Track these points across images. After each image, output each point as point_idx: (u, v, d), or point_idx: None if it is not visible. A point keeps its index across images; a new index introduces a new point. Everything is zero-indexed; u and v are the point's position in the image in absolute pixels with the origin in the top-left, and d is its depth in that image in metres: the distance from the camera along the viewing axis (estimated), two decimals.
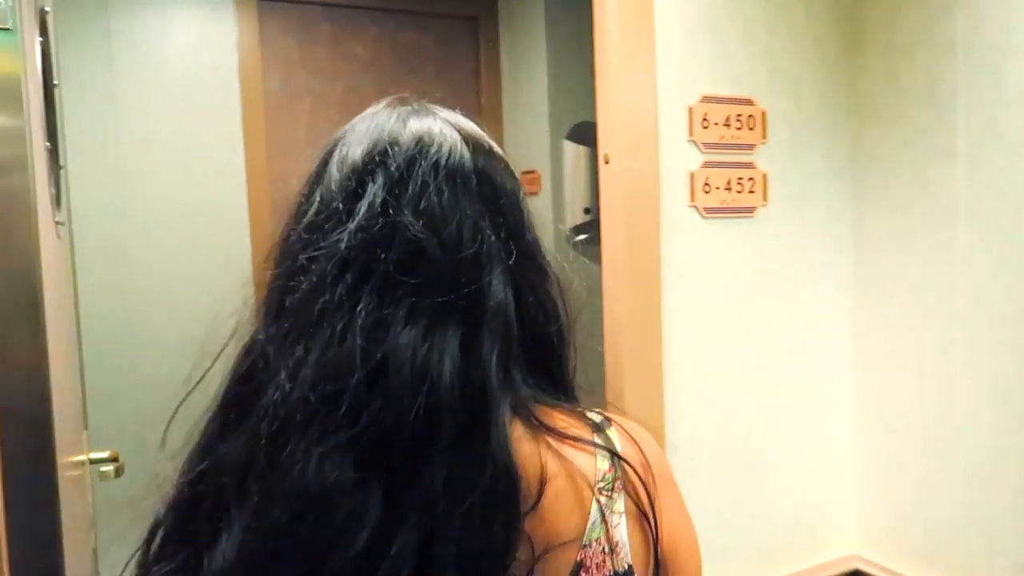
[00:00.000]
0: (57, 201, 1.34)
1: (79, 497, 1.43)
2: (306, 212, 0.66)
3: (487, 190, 0.67)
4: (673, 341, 1.42)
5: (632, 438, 0.64)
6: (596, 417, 0.64)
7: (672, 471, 0.66)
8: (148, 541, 0.61)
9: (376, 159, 0.65)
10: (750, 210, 1.41)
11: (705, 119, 1.34)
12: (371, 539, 0.51)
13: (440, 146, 0.67)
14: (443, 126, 0.71)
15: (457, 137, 0.70)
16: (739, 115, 1.37)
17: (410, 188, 0.63)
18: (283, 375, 0.58)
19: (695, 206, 1.33)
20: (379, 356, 0.56)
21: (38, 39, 1.06)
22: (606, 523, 0.59)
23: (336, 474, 0.52)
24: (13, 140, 0.85)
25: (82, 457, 1.53)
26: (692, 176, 1.32)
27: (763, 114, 1.41)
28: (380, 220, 0.61)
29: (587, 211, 2.68)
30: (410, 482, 0.53)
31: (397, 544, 0.51)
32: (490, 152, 0.73)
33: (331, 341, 0.58)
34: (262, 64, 2.61)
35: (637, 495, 0.61)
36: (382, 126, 0.70)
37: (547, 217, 2.77)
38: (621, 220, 1.23)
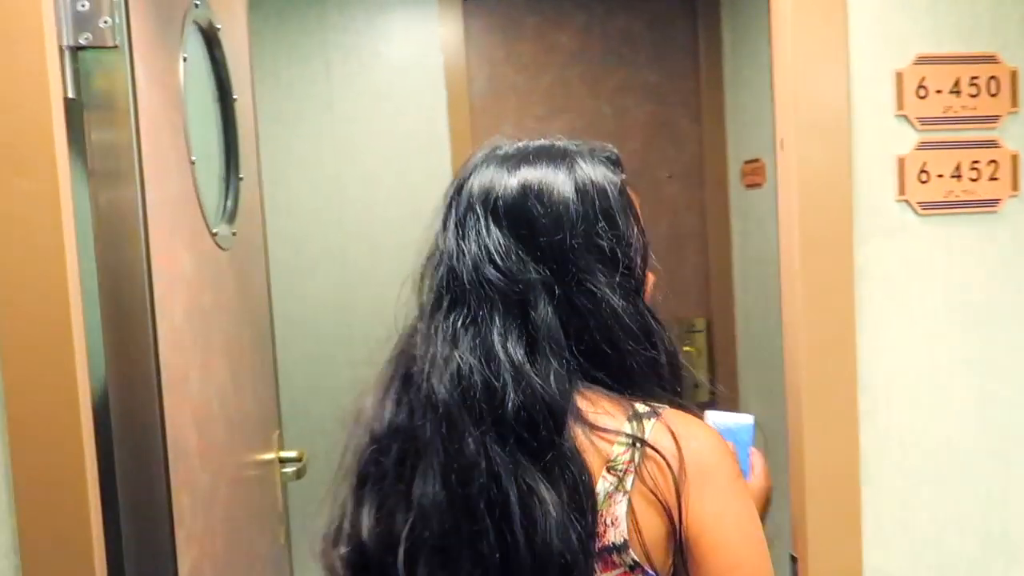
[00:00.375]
0: (230, 213, 1.41)
1: (262, 492, 1.50)
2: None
3: (533, 231, 0.78)
4: (872, 384, 1.09)
5: (671, 430, 0.72)
6: (643, 408, 0.75)
7: (726, 469, 0.73)
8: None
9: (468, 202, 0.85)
10: (991, 204, 1.08)
11: (922, 86, 1.05)
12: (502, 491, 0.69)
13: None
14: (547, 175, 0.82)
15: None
16: (974, 78, 1.06)
17: (481, 232, 0.80)
18: (431, 371, 0.77)
19: (906, 200, 1.04)
20: (491, 365, 0.73)
21: (181, 56, 1.10)
22: (610, 499, 0.71)
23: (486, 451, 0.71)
24: (116, 154, 0.87)
25: (270, 456, 1.61)
26: (902, 162, 1.04)
27: (1012, 74, 1.07)
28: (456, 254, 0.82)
29: None
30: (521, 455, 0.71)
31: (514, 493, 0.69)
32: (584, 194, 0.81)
33: (451, 347, 0.77)
34: (467, 64, 2.64)
35: (653, 480, 0.71)
36: (493, 173, 0.84)
37: (771, 209, 2.48)
38: (797, 220, 1.00)
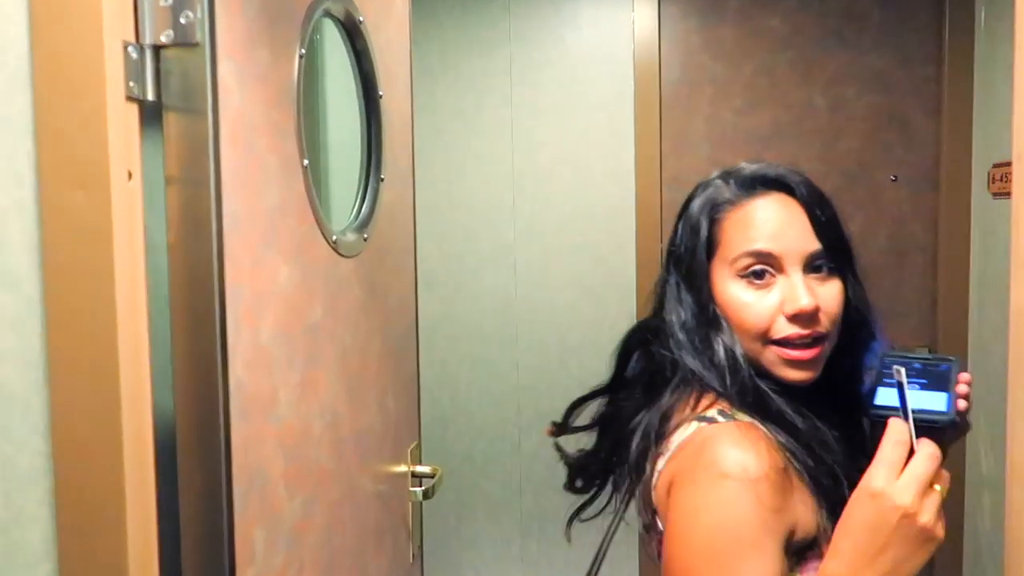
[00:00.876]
0: (364, 218, 1.35)
1: (386, 509, 1.44)
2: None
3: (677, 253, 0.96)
4: None
5: (706, 434, 0.82)
6: (708, 413, 0.85)
7: (711, 470, 0.78)
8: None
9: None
10: None
11: None
12: None
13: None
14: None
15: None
16: None
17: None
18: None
19: None
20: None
21: (298, 52, 1.04)
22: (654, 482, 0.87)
23: None
24: (194, 159, 0.81)
25: (401, 469, 1.55)
26: None
27: None
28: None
29: None
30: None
31: None
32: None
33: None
34: (659, 52, 2.44)
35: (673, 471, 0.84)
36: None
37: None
38: None
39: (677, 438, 0.85)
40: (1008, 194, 2.13)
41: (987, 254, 2.27)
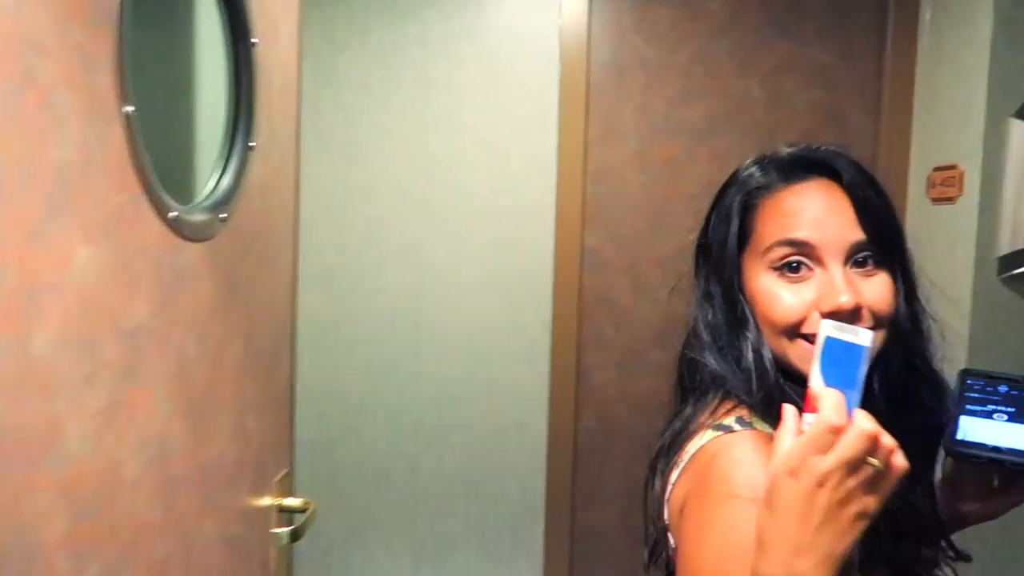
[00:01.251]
0: (225, 192, 1.08)
1: (242, 553, 1.17)
2: None
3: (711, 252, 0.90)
4: None
5: (717, 444, 0.78)
6: (726, 421, 0.80)
7: (719, 488, 0.73)
8: None
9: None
10: None
11: None
12: None
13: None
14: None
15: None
16: None
17: None
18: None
19: None
20: None
21: None
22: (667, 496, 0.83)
23: None
24: None
25: (264, 502, 1.29)
26: None
27: None
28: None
29: None
30: None
31: None
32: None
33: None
34: (589, 31, 2.23)
35: (686, 485, 0.79)
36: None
37: (967, 231, 1.93)
38: None
39: (691, 448, 0.81)
40: (950, 199, 2.03)
41: (924, 263, 2.16)
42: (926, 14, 2.16)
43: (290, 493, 1.41)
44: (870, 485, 0.61)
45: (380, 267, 2.29)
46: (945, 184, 2.05)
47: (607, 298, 2.30)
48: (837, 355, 0.67)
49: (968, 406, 0.79)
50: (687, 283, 0.92)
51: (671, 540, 0.81)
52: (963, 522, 0.88)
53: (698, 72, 2.26)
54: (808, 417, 0.64)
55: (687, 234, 2.43)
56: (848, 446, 0.60)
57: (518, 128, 2.26)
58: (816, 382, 0.66)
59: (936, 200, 2.10)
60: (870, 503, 0.61)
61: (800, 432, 0.63)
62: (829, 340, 0.68)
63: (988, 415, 0.77)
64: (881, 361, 0.80)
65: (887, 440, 0.61)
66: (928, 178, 2.13)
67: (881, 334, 0.78)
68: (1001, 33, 1.86)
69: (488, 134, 2.26)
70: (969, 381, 0.81)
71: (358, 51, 2.25)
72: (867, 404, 0.74)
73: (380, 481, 2.33)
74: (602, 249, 2.29)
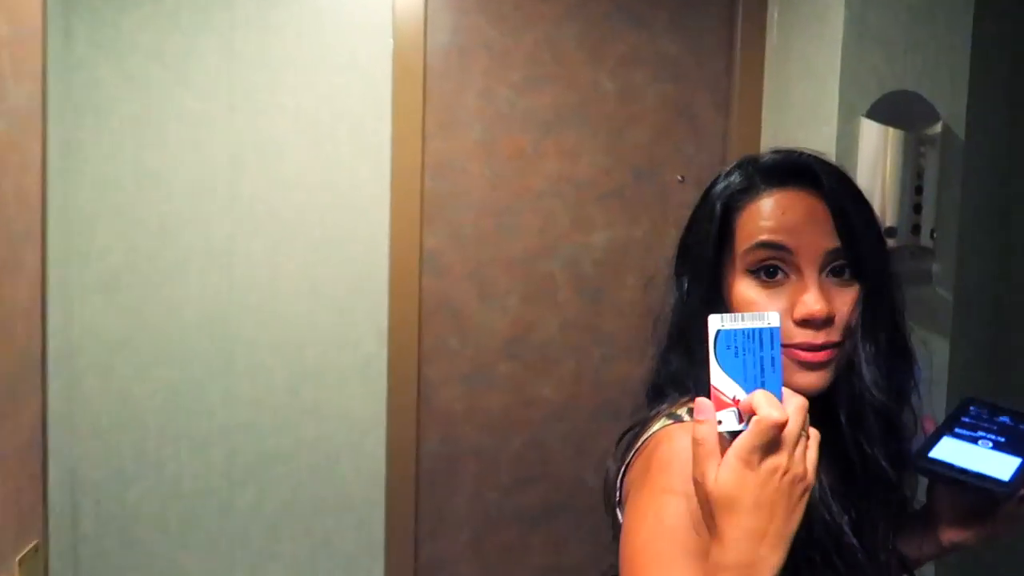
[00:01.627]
0: None
1: None
2: None
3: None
4: None
5: (662, 434, 0.81)
6: (679, 411, 0.83)
7: (657, 478, 0.76)
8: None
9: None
10: None
11: None
12: None
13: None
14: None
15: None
16: None
17: None
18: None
19: None
20: None
21: None
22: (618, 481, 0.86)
23: None
24: None
25: None
26: None
27: None
28: None
29: (892, 232, 1.75)
30: None
31: None
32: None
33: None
34: (425, 7, 2.00)
35: (633, 471, 0.83)
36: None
37: None
38: None
39: (646, 435, 0.84)
40: None
41: None
42: (774, 11, 2.11)
43: (43, 572, 1.09)
44: (805, 457, 0.66)
45: (180, 272, 1.94)
46: None
47: (450, 305, 2.08)
48: (748, 344, 0.67)
49: (957, 429, 0.80)
50: (660, 279, 0.93)
51: (620, 519, 0.85)
52: (944, 550, 0.89)
53: (545, 58, 2.09)
54: (720, 414, 0.66)
55: (537, 235, 2.24)
56: (793, 429, 0.64)
57: (345, 112, 1.98)
58: (716, 377, 0.67)
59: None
60: (809, 475, 0.65)
61: (709, 425, 0.67)
62: (729, 332, 0.67)
63: (974, 440, 0.78)
64: (837, 385, 0.82)
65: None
66: None
67: (850, 344, 0.81)
68: (852, 30, 1.82)
69: (309, 118, 1.97)
70: (972, 408, 0.83)
71: (149, 11, 1.89)
72: (838, 421, 0.82)
73: (186, 525, 1.98)
74: (443, 251, 2.07)
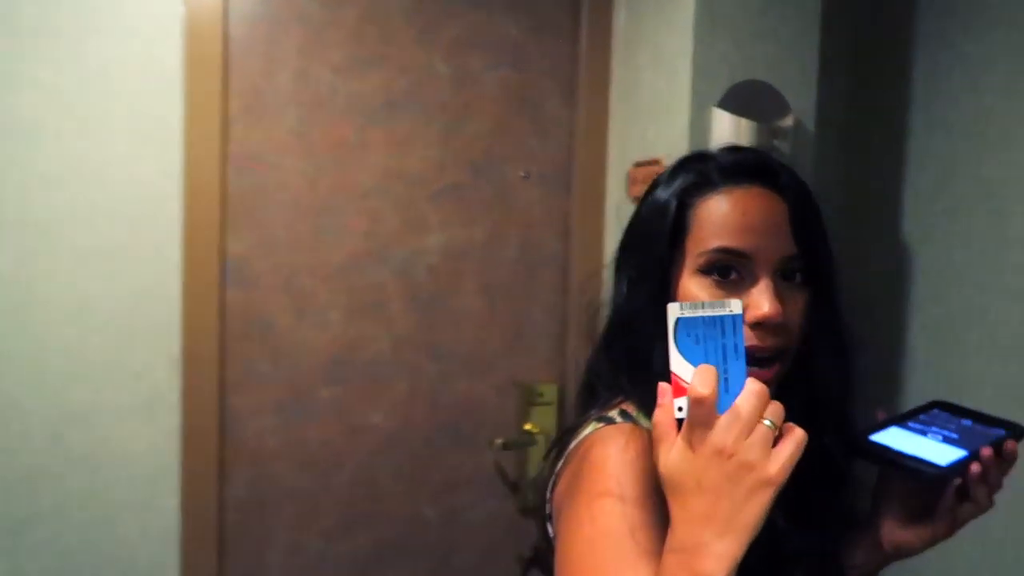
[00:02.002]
0: None
1: None
2: None
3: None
4: None
5: (594, 437, 0.81)
6: (610, 413, 0.83)
7: (591, 483, 0.75)
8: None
9: None
10: None
11: None
12: None
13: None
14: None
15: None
16: None
17: None
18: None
19: None
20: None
21: None
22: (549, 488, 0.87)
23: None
24: None
25: None
26: None
27: None
28: None
29: None
30: None
31: None
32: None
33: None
34: None
35: (565, 478, 0.83)
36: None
37: None
38: None
39: (576, 439, 0.84)
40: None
41: None
42: None
43: None
44: (765, 447, 0.62)
45: None
46: (647, 181, 1.84)
47: (260, 322, 1.77)
48: (709, 331, 0.67)
49: (911, 423, 0.81)
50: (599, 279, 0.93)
51: (550, 530, 0.84)
52: (886, 556, 0.88)
53: (371, 36, 1.83)
54: (679, 401, 0.66)
55: (362, 239, 1.94)
56: (746, 412, 0.62)
57: (122, 90, 1.63)
58: (676, 364, 0.67)
59: (637, 198, 1.90)
60: (770, 469, 0.61)
61: (665, 409, 0.66)
62: (689, 319, 0.68)
63: (923, 433, 0.79)
64: (819, 383, 0.85)
65: (777, 404, 0.65)
66: (628, 175, 1.93)
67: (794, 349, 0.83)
68: (704, 16, 1.69)
69: (74, 97, 1.61)
70: (935, 410, 0.84)
71: None
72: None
73: None
74: (251, 258, 1.76)
